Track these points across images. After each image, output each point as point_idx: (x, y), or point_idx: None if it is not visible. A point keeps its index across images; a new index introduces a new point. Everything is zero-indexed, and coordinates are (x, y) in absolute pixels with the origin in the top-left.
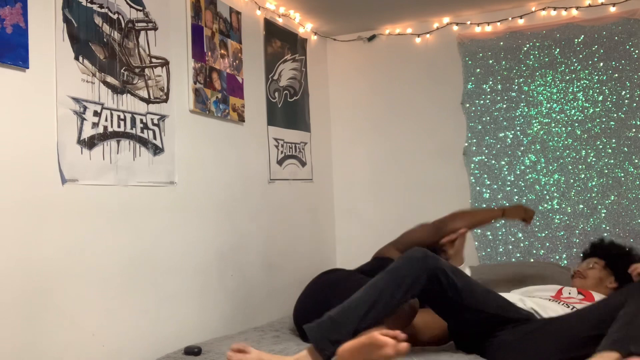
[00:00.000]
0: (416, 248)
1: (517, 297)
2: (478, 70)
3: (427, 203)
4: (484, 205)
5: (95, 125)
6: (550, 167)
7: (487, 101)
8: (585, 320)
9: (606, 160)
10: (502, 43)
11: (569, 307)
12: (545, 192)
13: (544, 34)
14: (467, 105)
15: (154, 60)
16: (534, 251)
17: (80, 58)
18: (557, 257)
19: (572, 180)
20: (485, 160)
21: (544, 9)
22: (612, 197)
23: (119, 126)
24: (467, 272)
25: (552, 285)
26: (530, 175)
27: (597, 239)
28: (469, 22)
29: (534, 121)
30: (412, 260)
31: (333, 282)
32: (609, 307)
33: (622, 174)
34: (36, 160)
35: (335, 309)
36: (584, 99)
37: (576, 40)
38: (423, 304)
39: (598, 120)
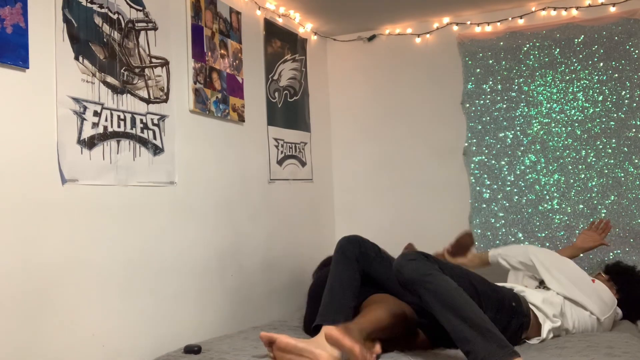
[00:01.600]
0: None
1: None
2: (478, 70)
3: (427, 203)
4: (484, 206)
5: (95, 125)
6: (550, 167)
7: (487, 101)
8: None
9: (606, 160)
10: (502, 43)
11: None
12: (545, 192)
13: (544, 34)
14: (467, 105)
15: (154, 60)
16: None
17: (80, 58)
18: None
19: (572, 180)
20: (485, 160)
21: (544, 9)
22: (612, 197)
23: (119, 126)
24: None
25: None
26: (530, 175)
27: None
28: (469, 22)
29: (534, 121)
30: (345, 245)
31: None
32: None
33: (622, 174)
34: (36, 160)
35: (324, 297)
36: (584, 99)
37: (576, 40)
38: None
39: (598, 120)
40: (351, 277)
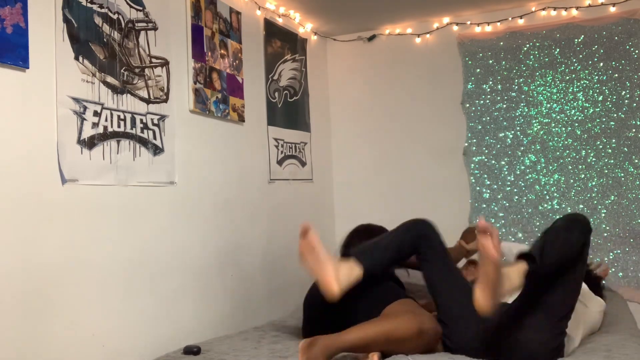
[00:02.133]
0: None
1: None
2: (478, 70)
3: (427, 203)
4: (484, 206)
5: (95, 125)
6: (550, 167)
7: (487, 101)
8: None
9: (606, 160)
10: (502, 43)
11: None
12: (545, 192)
13: (544, 34)
14: (467, 105)
15: (154, 60)
16: None
17: (80, 58)
18: None
19: (572, 180)
20: (485, 160)
21: (544, 9)
22: (612, 197)
23: (119, 126)
24: None
25: None
26: (530, 175)
27: None
28: (469, 22)
29: (534, 121)
30: (415, 221)
31: None
32: None
33: (622, 174)
34: (36, 160)
35: (368, 242)
36: (584, 99)
37: (576, 40)
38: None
39: (598, 120)
40: (402, 244)
